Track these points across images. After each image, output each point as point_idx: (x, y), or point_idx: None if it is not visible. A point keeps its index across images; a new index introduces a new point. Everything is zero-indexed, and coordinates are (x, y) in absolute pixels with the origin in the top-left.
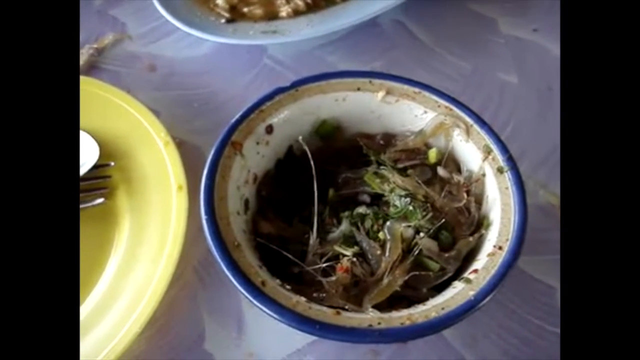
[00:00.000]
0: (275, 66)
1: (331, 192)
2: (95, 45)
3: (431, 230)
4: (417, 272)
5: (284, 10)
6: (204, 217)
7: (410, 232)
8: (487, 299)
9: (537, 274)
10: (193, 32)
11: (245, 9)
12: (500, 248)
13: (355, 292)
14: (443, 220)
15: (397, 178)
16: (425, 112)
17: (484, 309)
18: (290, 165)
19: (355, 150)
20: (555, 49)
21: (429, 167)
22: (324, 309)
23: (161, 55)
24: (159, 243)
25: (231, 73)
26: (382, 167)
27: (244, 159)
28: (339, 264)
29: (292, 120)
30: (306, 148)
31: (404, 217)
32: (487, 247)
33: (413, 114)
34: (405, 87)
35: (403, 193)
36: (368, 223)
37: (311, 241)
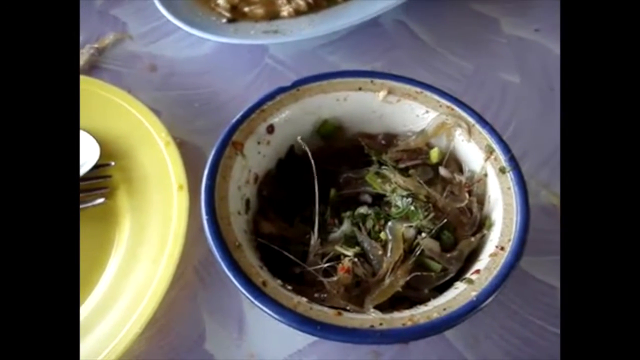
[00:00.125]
0: (277, 66)
1: (332, 192)
2: (96, 45)
3: (433, 231)
4: (418, 273)
5: (285, 10)
6: (204, 217)
7: (411, 232)
8: (489, 299)
9: (539, 274)
10: (194, 31)
11: (247, 9)
12: (502, 248)
13: (357, 293)
14: (445, 220)
15: (398, 178)
16: (427, 111)
17: (485, 309)
18: (292, 165)
19: (356, 150)
20: (557, 48)
21: (431, 167)
22: (325, 309)
23: (162, 55)
24: (159, 243)
25: (232, 73)
26: (383, 167)
27: (245, 159)
28: (341, 265)
29: (293, 120)
30: (307, 148)
31: (406, 217)
32: (489, 247)
33: (415, 114)
34: (407, 86)
35: (405, 193)
36: (369, 223)
37: (312, 241)
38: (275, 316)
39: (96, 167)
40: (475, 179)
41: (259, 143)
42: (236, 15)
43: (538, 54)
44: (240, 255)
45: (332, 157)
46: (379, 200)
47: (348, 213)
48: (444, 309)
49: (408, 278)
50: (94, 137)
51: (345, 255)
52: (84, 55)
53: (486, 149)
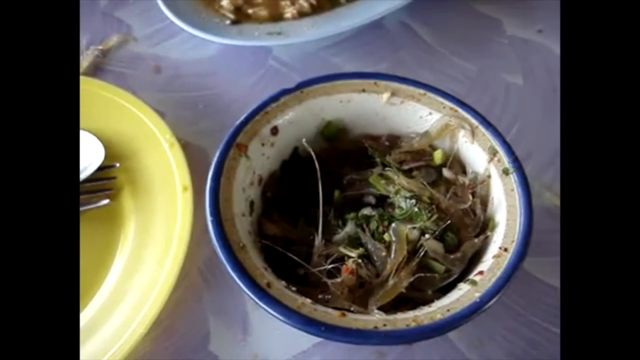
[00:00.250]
0: (280, 68)
1: (336, 193)
2: (100, 47)
3: (436, 232)
4: (422, 274)
5: (289, 12)
6: (209, 218)
7: (415, 233)
8: (493, 300)
9: (542, 275)
10: (198, 33)
11: (250, 11)
12: (505, 250)
13: (361, 294)
14: (448, 222)
15: (402, 180)
16: (431, 113)
17: (489, 310)
18: (296, 166)
19: (360, 151)
20: (560, 50)
21: (434, 169)
22: (330, 310)
23: (166, 57)
24: (164, 244)
25: (236, 75)
26: (387, 168)
27: (249, 161)
28: (344, 266)
29: (297, 121)
30: (311, 150)
31: (409, 218)
32: (493, 248)
33: (418, 116)
34: (411, 88)
35: (408, 195)
36: (373, 224)
37: (316, 243)
38: (280, 317)
39: (101, 168)
40: (478, 181)
41: (263, 145)
42: (240, 17)
43: (541, 55)
44: (244, 257)
45: (336, 159)
46: (382, 201)
47: (352, 214)
48: (448, 310)
49: (412, 279)
50: (98, 138)
51: (349, 257)
52: (89, 57)
53: (490, 151)
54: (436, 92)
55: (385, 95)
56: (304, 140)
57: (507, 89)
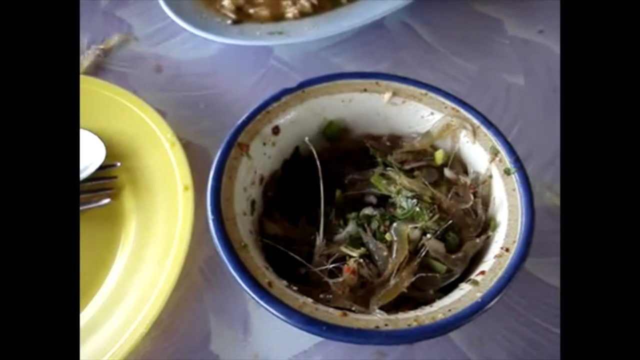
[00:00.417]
0: (282, 67)
1: (338, 193)
2: (101, 46)
3: (438, 232)
4: (423, 274)
5: (290, 12)
6: (210, 217)
7: (417, 233)
8: (494, 300)
9: (543, 275)
10: (199, 33)
11: (252, 10)
12: (507, 250)
13: (362, 294)
14: (450, 221)
15: (403, 179)
16: (432, 113)
17: (490, 311)
18: (297, 166)
19: (361, 151)
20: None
21: (436, 169)
22: (331, 310)
23: (167, 57)
24: (165, 244)
25: (237, 74)
26: (388, 168)
27: (250, 160)
28: (346, 265)
29: (299, 121)
30: (313, 149)
31: (411, 218)
32: (494, 248)
33: (419, 116)
34: (412, 88)
35: (410, 194)
36: (375, 224)
37: (317, 242)
38: (281, 317)
39: (102, 167)
40: (480, 181)
41: (264, 144)
42: (241, 16)
43: (542, 55)
44: (245, 256)
45: (338, 159)
46: (384, 201)
47: (353, 214)
48: (449, 310)
49: (413, 279)
50: (99, 137)
51: (351, 256)
52: (90, 57)
53: (491, 151)
54: (438, 92)
55: (387, 95)
56: (306, 138)
57: (508, 89)
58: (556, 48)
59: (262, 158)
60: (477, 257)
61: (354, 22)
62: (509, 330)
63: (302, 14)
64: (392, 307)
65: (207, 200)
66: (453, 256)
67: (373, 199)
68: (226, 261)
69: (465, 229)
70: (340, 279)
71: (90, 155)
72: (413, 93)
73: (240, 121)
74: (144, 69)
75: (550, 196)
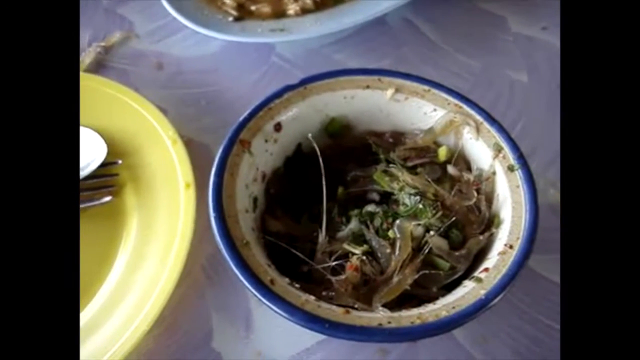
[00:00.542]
0: (284, 64)
1: (340, 190)
2: (102, 44)
3: (441, 229)
4: (427, 271)
5: (292, 9)
6: (212, 214)
7: (420, 230)
8: (498, 298)
9: (546, 273)
10: (201, 30)
11: (253, 7)
12: (511, 247)
13: (365, 291)
14: (453, 218)
15: (406, 176)
16: (435, 110)
17: (494, 308)
18: (299, 163)
19: (364, 148)
20: None
21: (439, 166)
22: (333, 307)
23: (169, 54)
24: (166, 241)
25: (239, 71)
26: (391, 165)
27: (252, 157)
28: (349, 263)
29: (301, 118)
30: (315, 146)
31: (414, 215)
32: (498, 245)
33: (422, 112)
34: (415, 84)
35: (413, 191)
36: (377, 221)
37: (320, 239)
38: (283, 314)
39: (103, 165)
40: (483, 177)
41: (266, 141)
42: (243, 13)
43: (545, 52)
44: (248, 253)
45: (340, 155)
46: (386, 198)
47: (356, 211)
48: (453, 308)
49: (416, 276)
50: (100, 135)
51: (353, 254)
52: (91, 54)
53: (494, 147)
54: (440, 88)
55: (390, 92)
56: (309, 135)
57: (511, 86)
58: (559, 45)
59: (264, 155)
60: (481, 254)
61: (356, 19)
62: (512, 328)
63: (304, 11)
64: (395, 305)
65: (209, 197)
66: (456, 253)
67: (376, 196)
68: (228, 258)
69: (469, 226)
70: (343, 277)
71: (92, 153)
72: (416, 89)
73: (242, 118)
74: (146, 66)
75: (554, 193)
